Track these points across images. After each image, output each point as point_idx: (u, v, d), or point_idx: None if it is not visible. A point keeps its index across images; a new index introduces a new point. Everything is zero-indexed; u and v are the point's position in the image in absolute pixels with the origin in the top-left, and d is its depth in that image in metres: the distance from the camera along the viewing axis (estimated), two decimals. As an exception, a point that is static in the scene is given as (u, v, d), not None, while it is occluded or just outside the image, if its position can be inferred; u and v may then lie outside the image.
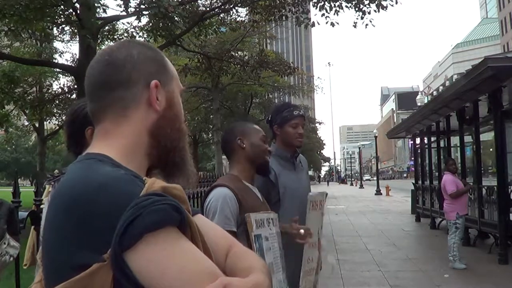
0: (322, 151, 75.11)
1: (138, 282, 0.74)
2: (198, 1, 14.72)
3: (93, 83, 0.95)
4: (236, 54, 20.17)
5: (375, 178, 45.26)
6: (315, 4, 13.33)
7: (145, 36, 14.39)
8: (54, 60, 19.36)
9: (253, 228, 1.98)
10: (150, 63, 0.96)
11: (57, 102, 19.78)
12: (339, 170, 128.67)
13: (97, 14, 11.63)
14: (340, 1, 12.98)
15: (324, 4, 13.09)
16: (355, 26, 13.22)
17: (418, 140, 15.55)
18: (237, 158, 2.26)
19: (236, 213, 2.02)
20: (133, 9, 10.91)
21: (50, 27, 15.15)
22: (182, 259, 0.76)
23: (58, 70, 19.12)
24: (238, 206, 2.04)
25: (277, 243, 2.13)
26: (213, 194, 2.09)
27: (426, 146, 14.19)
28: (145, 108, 0.93)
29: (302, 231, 2.34)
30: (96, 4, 10.91)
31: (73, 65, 16.84)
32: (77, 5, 10.35)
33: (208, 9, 14.96)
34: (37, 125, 22.91)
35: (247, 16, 18.48)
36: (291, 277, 2.31)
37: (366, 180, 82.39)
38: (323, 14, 13.20)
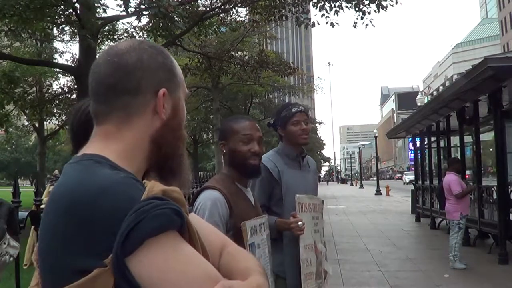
0: (322, 151, 75.10)
1: (139, 287, 0.73)
2: (198, 1, 14.73)
3: (99, 83, 0.92)
4: (236, 54, 20.18)
5: (410, 175, 33.86)
6: (315, 4, 13.34)
7: (145, 36, 14.39)
8: (54, 60, 19.37)
9: (248, 237, 1.92)
10: (160, 71, 0.93)
11: (57, 102, 19.83)
12: (339, 170, 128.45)
13: (97, 14, 11.64)
14: (340, 1, 12.99)
15: (324, 4, 13.10)
16: (355, 26, 13.24)
17: (418, 140, 15.55)
18: (225, 160, 2.17)
19: (226, 218, 1.93)
20: (133, 9, 10.89)
21: (50, 27, 15.12)
22: (184, 263, 0.76)
23: (58, 70, 19.12)
24: (229, 211, 1.95)
25: (267, 248, 2.11)
26: (202, 196, 1.99)
27: (426, 146, 14.19)
28: (150, 115, 0.91)
29: (300, 223, 2.37)
30: (96, 4, 10.91)
31: (73, 65, 16.85)
32: (77, 5, 10.34)
33: (208, 9, 14.96)
34: (37, 125, 22.94)
35: (247, 16, 18.51)
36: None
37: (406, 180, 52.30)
38: (323, 15, 13.21)
